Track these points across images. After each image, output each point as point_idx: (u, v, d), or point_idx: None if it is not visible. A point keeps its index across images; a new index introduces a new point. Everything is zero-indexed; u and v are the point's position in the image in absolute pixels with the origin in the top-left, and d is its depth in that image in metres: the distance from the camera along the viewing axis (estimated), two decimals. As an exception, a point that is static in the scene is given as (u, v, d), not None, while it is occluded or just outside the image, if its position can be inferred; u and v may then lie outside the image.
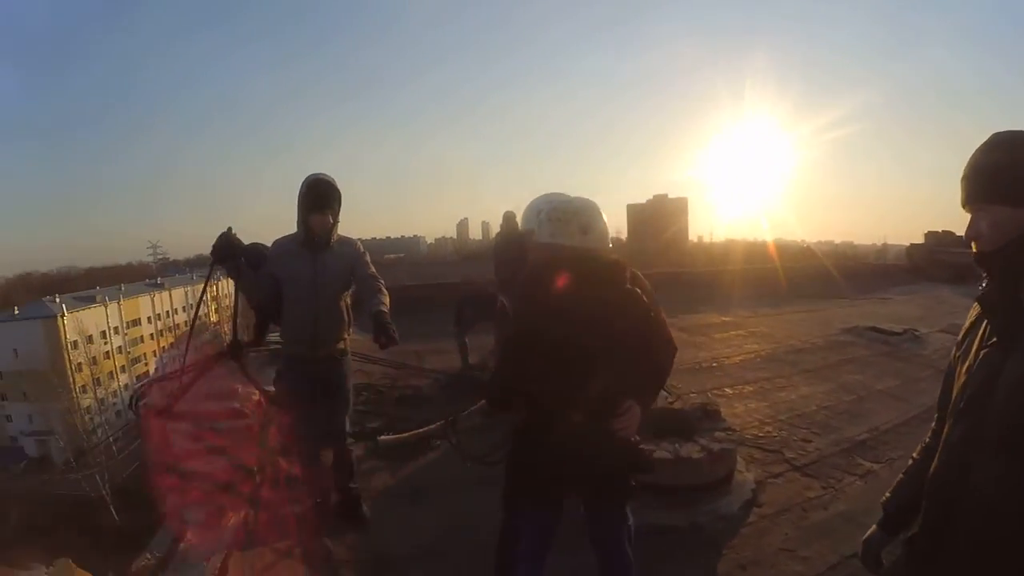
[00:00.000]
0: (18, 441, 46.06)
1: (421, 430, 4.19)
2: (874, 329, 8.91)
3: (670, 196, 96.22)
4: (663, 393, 5.94)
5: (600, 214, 2.49)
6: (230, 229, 3.27)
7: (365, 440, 3.99)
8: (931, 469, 1.52)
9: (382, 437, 3.83)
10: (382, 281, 3.66)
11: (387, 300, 3.55)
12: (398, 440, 3.90)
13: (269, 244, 3.65)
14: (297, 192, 3.54)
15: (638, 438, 2.53)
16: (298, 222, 3.58)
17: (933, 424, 1.69)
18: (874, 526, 1.83)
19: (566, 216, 2.43)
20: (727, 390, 6.43)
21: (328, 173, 3.61)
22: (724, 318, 10.34)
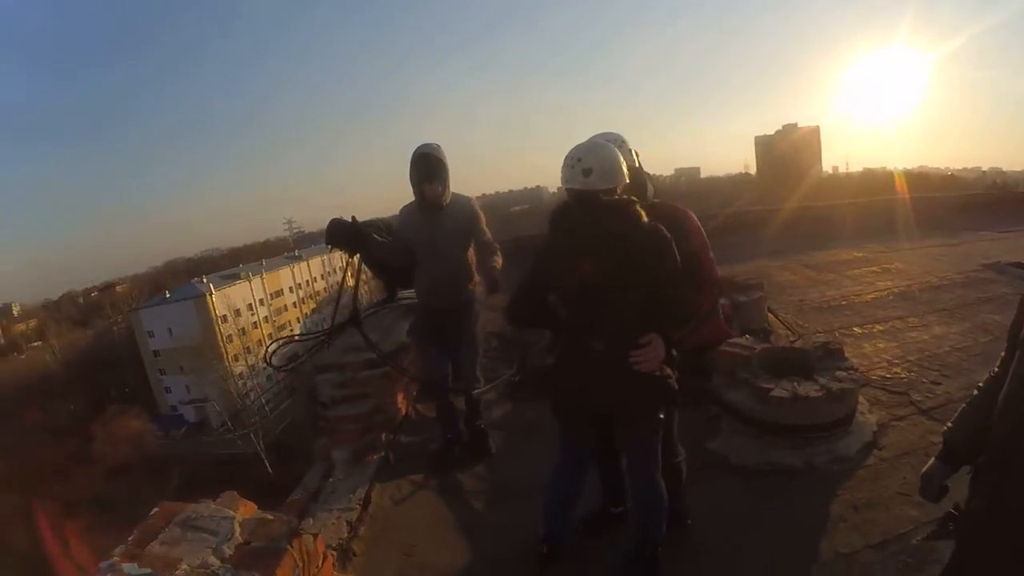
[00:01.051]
0: (178, 410, 51.07)
1: (499, 379, 4.47)
2: (1018, 265, 8.17)
3: (800, 125, 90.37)
4: (786, 332, 5.89)
5: (609, 154, 2.60)
6: (354, 219, 3.65)
7: (458, 393, 4.34)
8: (1001, 395, 1.53)
9: (475, 391, 4.17)
10: (496, 245, 4.08)
11: (499, 261, 3.97)
12: (484, 391, 4.23)
13: (396, 209, 4.19)
14: (409, 160, 3.92)
15: (667, 370, 2.63)
16: (413, 190, 3.97)
17: (1003, 353, 1.67)
18: (933, 459, 1.83)
19: (571, 161, 2.59)
20: (856, 329, 6.20)
21: (435, 143, 3.96)
22: (856, 253, 9.81)
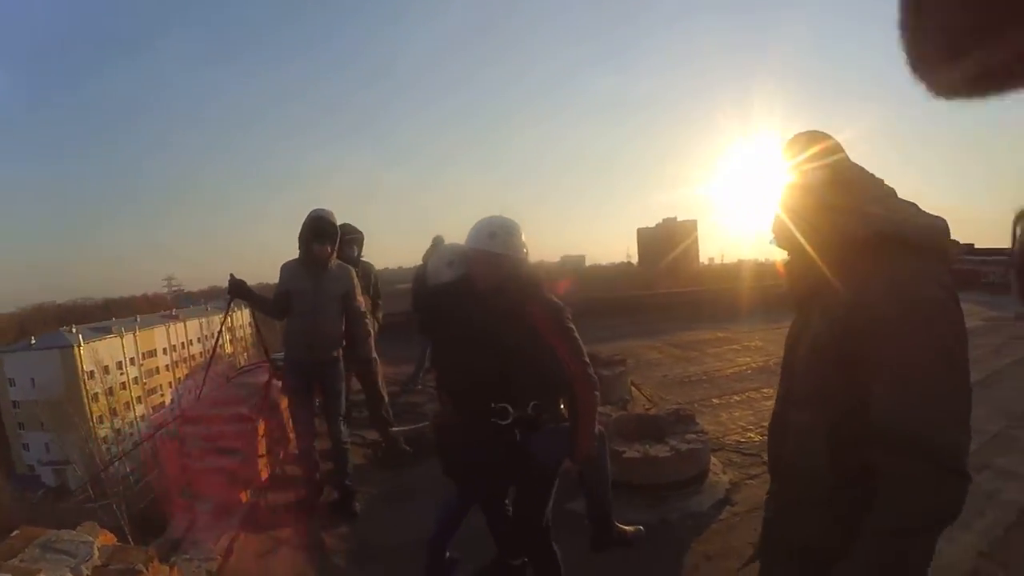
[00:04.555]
0: (36, 470, 46.51)
1: (419, 425, 4.62)
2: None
3: (679, 219, 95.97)
4: (644, 402, 6.27)
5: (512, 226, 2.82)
6: (232, 276, 4.18)
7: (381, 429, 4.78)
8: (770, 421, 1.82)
9: (394, 428, 4.32)
10: (366, 316, 4.51)
11: (372, 343, 4.48)
12: (406, 432, 4.36)
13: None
14: (301, 224, 4.25)
15: (518, 435, 2.73)
16: (300, 248, 4.25)
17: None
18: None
19: (478, 224, 2.80)
20: (714, 400, 6.62)
21: (329, 209, 4.32)
22: (719, 334, 10.53)
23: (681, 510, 4.08)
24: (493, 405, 2.66)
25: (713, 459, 4.64)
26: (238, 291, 4.16)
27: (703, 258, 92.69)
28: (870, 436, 1.43)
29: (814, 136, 1.67)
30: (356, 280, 4.43)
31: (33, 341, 52.21)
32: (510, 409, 2.67)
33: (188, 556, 3.65)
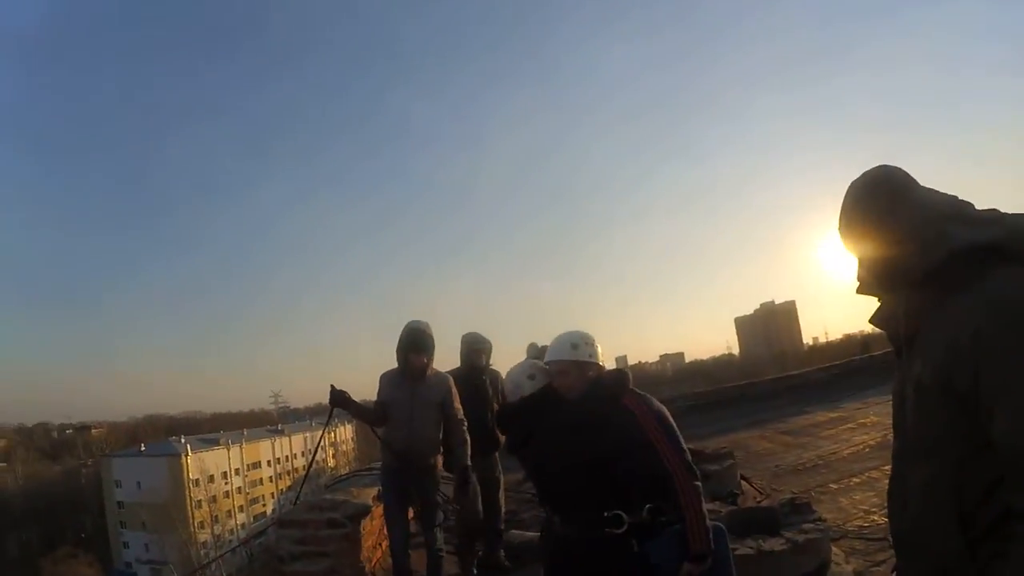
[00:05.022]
0: (132, 567, 48.31)
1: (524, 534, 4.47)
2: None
3: (777, 302, 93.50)
4: (756, 494, 5.85)
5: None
6: (333, 387, 4.18)
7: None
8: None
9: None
10: (465, 425, 4.41)
11: (467, 450, 4.34)
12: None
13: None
14: (399, 337, 4.35)
15: (635, 545, 2.57)
16: (398, 358, 4.33)
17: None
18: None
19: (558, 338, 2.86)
20: (832, 485, 6.18)
21: (425, 321, 4.44)
22: (832, 414, 9.92)
23: None
24: (606, 514, 2.53)
25: (835, 548, 4.25)
26: (339, 401, 4.21)
27: (806, 338, 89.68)
28: (1002, 478, 1.25)
29: (862, 181, 1.58)
30: (454, 388, 4.45)
31: (143, 447, 55.26)
32: (624, 516, 2.53)
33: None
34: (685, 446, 2.61)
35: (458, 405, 4.42)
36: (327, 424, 4.60)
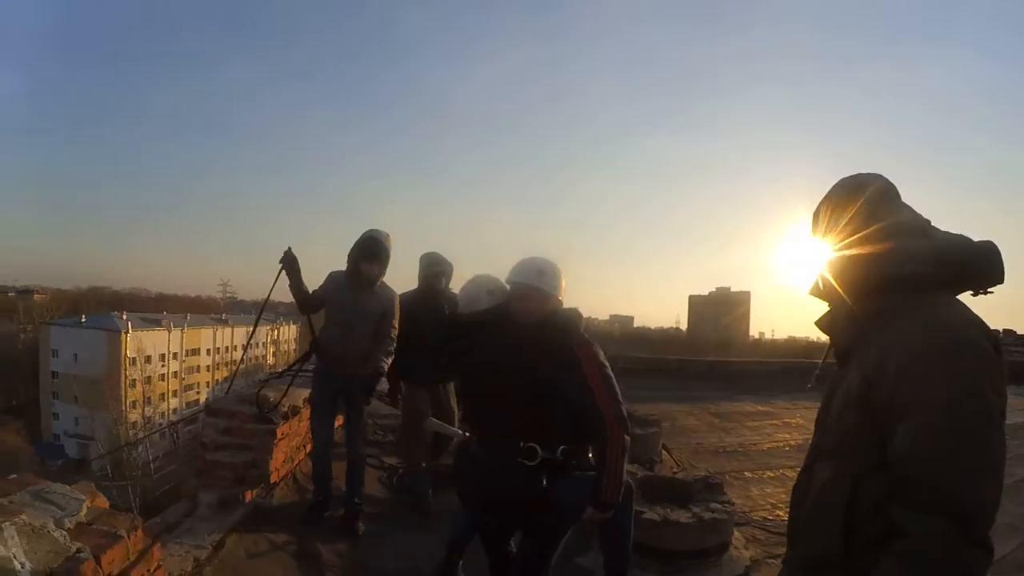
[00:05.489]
0: (60, 440, 48.00)
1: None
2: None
3: (733, 289, 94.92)
4: (672, 464, 6.04)
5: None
6: (289, 248, 4.11)
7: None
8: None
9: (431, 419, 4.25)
10: (393, 345, 4.36)
11: (388, 362, 4.33)
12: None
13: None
14: (354, 243, 4.24)
15: (544, 480, 2.62)
16: (348, 264, 4.25)
17: None
18: None
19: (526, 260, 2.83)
20: (746, 473, 6.38)
21: (386, 231, 4.30)
22: (760, 407, 10.21)
23: None
24: (522, 444, 2.57)
25: (736, 533, 4.39)
26: (289, 264, 4.10)
27: (753, 331, 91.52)
28: (892, 493, 1.33)
29: (854, 182, 1.63)
30: (398, 306, 4.39)
31: (84, 319, 54.13)
32: (539, 450, 2.57)
33: (181, 540, 3.61)
34: (622, 400, 2.62)
35: (396, 324, 4.36)
36: (274, 282, 4.40)
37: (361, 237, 4.21)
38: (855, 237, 1.54)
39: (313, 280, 4.31)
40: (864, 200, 1.56)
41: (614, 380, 2.64)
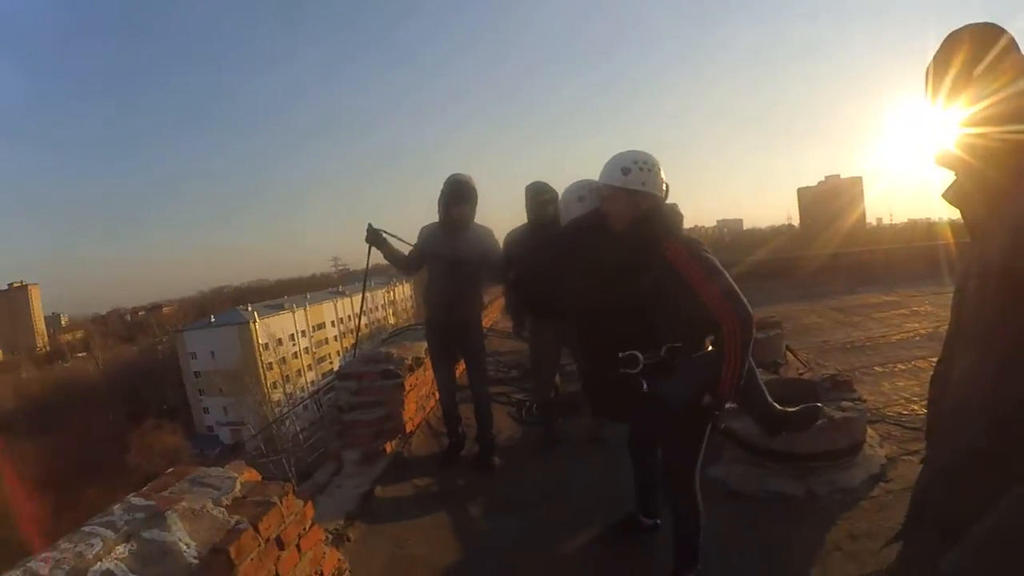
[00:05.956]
0: (213, 431, 52.76)
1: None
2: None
3: (843, 176, 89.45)
4: (799, 367, 5.90)
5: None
6: (370, 224, 4.31)
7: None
8: None
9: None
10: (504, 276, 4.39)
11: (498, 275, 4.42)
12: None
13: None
14: (440, 189, 4.27)
15: (644, 385, 2.55)
16: (439, 211, 4.29)
17: None
18: None
19: (612, 158, 2.66)
20: (876, 368, 6.13)
21: (468, 174, 4.33)
22: (886, 297, 9.73)
23: (830, 483, 3.75)
24: (621, 354, 2.52)
25: (870, 431, 4.24)
26: (374, 238, 4.28)
27: (870, 218, 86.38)
28: None
29: (985, 32, 1.42)
30: (495, 240, 4.43)
31: (212, 319, 59.17)
32: (640, 356, 2.51)
33: (332, 498, 3.95)
34: (737, 290, 2.46)
35: (499, 255, 4.39)
36: (367, 262, 4.64)
37: (446, 182, 4.25)
38: (997, 95, 1.35)
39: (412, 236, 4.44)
40: (1000, 51, 1.37)
41: (719, 267, 2.48)
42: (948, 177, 1.52)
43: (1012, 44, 1.39)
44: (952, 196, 1.51)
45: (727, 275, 2.48)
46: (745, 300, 2.44)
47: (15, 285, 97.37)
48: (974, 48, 1.41)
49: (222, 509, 2.23)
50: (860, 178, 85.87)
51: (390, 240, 4.36)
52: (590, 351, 2.77)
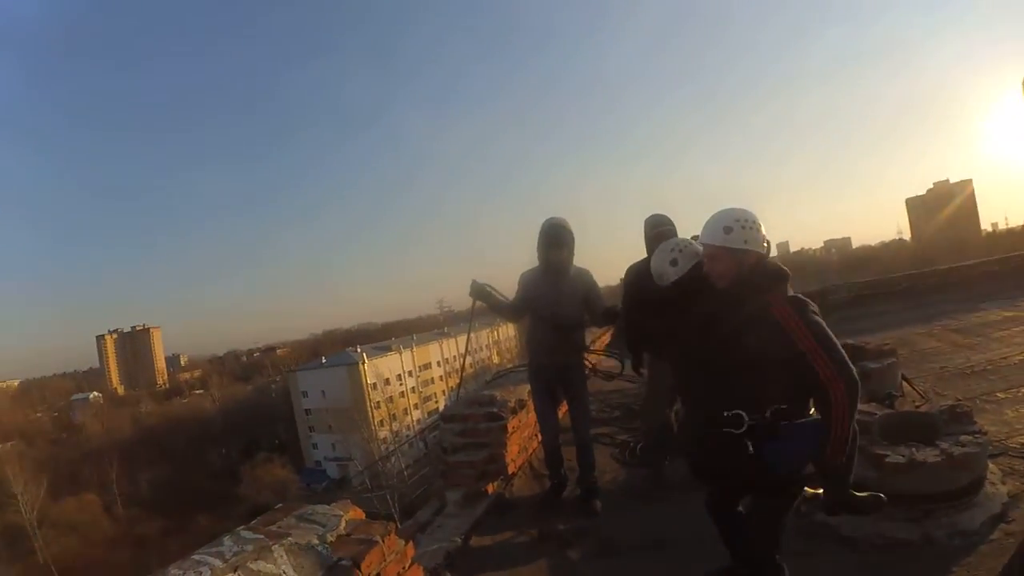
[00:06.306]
0: (321, 465, 55.47)
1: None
2: None
3: (952, 181, 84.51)
4: (915, 398, 5.63)
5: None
6: (475, 280, 4.47)
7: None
8: None
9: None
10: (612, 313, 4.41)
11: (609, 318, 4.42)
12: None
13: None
14: (538, 235, 4.40)
15: (751, 447, 2.53)
16: (539, 256, 4.41)
17: None
18: None
19: (713, 217, 2.69)
20: (998, 394, 5.77)
21: (563, 217, 4.43)
22: (1007, 313, 9.11)
23: (948, 526, 3.54)
24: (726, 413, 2.53)
25: (991, 466, 4.00)
26: (479, 293, 4.44)
27: (984, 223, 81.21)
28: None
29: None
30: (595, 282, 4.51)
31: (324, 360, 62.49)
32: (745, 416, 2.51)
33: (433, 537, 4.07)
34: (841, 351, 2.44)
35: (601, 295, 4.48)
36: (471, 316, 4.92)
37: (542, 227, 4.35)
38: None
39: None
40: None
41: (826, 329, 2.47)
42: None
43: None
44: None
45: (835, 338, 2.47)
46: (852, 366, 2.43)
47: (138, 328, 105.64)
48: None
49: (326, 546, 2.36)
50: (970, 180, 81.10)
51: (494, 294, 4.52)
52: (693, 408, 2.81)
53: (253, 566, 2.13)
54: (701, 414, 2.71)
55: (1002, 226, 76.69)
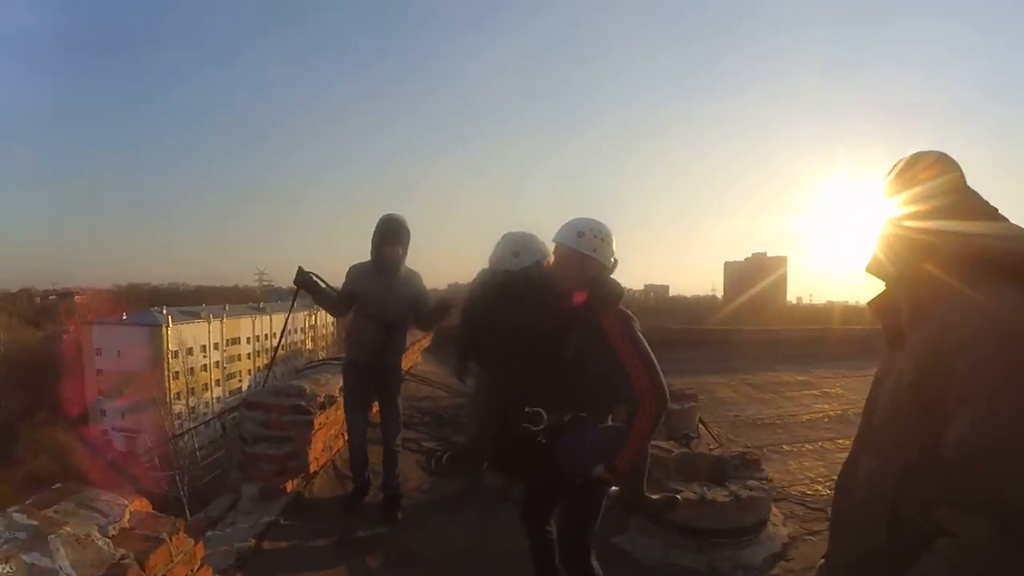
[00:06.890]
0: (108, 435, 49.13)
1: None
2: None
3: (769, 255, 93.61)
4: (709, 439, 6.01)
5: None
6: (301, 268, 4.21)
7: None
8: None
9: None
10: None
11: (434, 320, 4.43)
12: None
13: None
14: (373, 230, 4.19)
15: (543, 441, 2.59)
16: (372, 251, 4.19)
17: None
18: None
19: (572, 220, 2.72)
20: (784, 447, 6.33)
21: (401, 214, 4.25)
22: (799, 377, 10.11)
23: (733, 560, 3.84)
24: (527, 409, 2.56)
25: (774, 509, 4.38)
26: (304, 283, 4.20)
27: (791, 296, 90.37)
28: (939, 492, 1.24)
29: (928, 157, 1.54)
30: (424, 286, 4.39)
31: (124, 316, 55.74)
32: (544, 414, 2.57)
33: (224, 534, 3.73)
34: (659, 371, 2.51)
35: (429, 299, 4.37)
36: (292, 306, 4.73)
37: (379, 222, 4.18)
38: (939, 207, 1.46)
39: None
40: (955, 173, 1.50)
41: (648, 349, 2.53)
42: (878, 285, 1.58)
43: (960, 177, 1.51)
44: (877, 306, 1.57)
45: (653, 356, 2.54)
46: (665, 385, 2.51)
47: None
48: (939, 164, 1.52)
49: (108, 540, 2.09)
50: (786, 258, 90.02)
51: (321, 284, 4.27)
52: (501, 405, 2.81)
53: (27, 558, 1.84)
54: (507, 413, 2.71)
55: (806, 301, 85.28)
